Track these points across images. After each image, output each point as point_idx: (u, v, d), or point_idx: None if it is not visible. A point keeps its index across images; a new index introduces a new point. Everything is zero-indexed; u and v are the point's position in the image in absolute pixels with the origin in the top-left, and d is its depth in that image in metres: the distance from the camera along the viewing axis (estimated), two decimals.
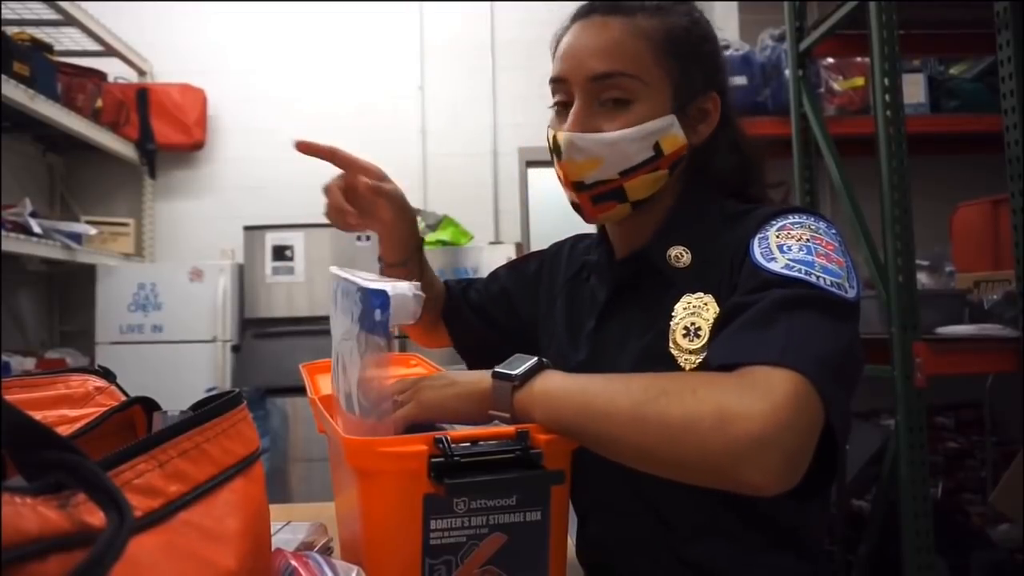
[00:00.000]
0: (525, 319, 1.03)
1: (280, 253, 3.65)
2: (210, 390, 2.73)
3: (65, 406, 0.60)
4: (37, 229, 2.99)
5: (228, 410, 0.47)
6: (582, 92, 0.77)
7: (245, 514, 0.45)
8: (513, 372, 0.65)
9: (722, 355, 0.62)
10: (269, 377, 3.42)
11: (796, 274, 0.64)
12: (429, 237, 3.78)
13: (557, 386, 0.64)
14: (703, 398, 0.56)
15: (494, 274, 1.11)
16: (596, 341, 0.85)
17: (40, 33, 3.44)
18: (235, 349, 3.59)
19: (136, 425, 0.58)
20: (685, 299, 0.76)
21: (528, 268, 1.06)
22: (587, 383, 0.63)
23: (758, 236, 0.71)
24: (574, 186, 0.79)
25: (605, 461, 0.72)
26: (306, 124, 4.20)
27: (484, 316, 1.06)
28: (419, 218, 3.87)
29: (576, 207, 0.83)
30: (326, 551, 0.77)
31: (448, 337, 1.10)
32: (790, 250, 0.67)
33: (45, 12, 3.38)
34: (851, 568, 2.22)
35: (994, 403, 2.77)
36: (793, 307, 0.62)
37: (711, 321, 0.73)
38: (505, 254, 3.71)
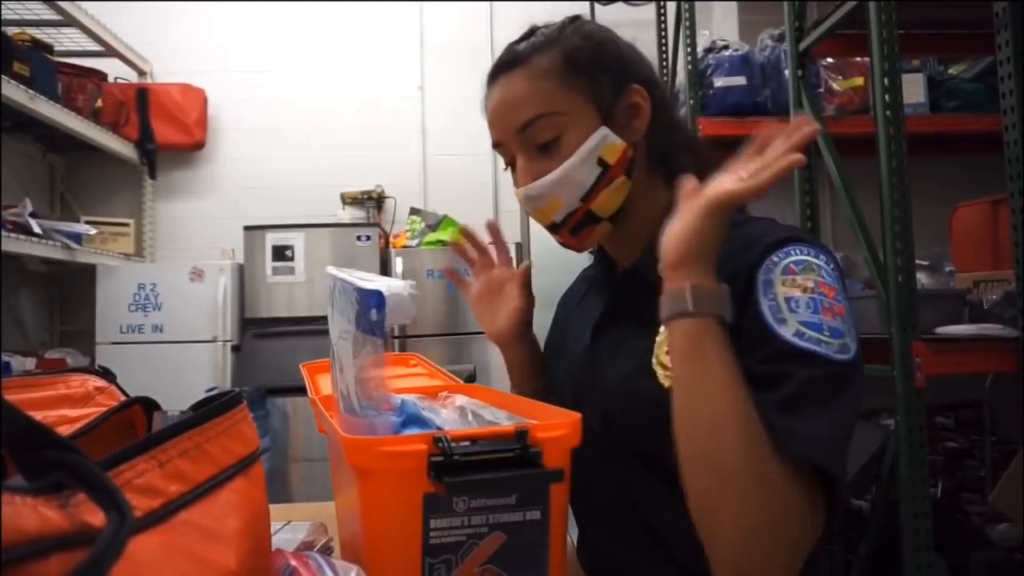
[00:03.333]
0: None
1: (280, 253, 3.65)
2: (210, 390, 2.73)
3: (65, 406, 0.60)
4: (37, 229, 2.99)
5: (228, 410, 0.47)
6: (517, 147, 0.82)
7: (245, 514, 0.45)
8: (707, 305, 0.67)
9: (789, 434, 0.63)
10: (269, 377, 3.42)
11: (809, 346, 0.66)
12: (429, 237, 3.78)
13: (724, 358, 0.66)
14: (766, 503, 0.61)
15: None
16: (591, 353, 0.87)
17: (40, 33, 3.44)
18: (235, 349, 3.59)
19: (136, 425, 0.58)
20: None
21: (557, 317, 1.10)
22: (715, 372, 0.65)
23: (762, 279, 0.71)
24: (550, 228, 0.84)
25: (602, 472, 0.75)
26: (306, 124, 4.20)
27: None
28: (419, 218, 3.89)
29: (564, 245, 0.88)
30: (326, 551, 0.77)
31: None
32: (797, 308, 0.68)
33: (45, 12, 3.38)
34: (851, 567, 2.22)
35: (994, 403, 2.77)
36: (823, 395, 0.65)
37: None
38: None
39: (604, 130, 0.79)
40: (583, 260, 1.13)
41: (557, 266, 1.11)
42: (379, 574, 0.57)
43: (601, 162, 0.80)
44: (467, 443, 0.58)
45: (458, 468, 0.56)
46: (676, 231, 0.68)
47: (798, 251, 0.72)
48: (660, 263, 0.70)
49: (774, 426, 0.64)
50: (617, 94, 0.81)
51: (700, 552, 0.65)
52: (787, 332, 0.67)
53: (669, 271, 0.68)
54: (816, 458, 0.62)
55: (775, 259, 0.72)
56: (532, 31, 0.86)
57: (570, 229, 0.83)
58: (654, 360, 0.76)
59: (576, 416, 0.63)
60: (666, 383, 0.73)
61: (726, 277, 0.73)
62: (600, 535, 0.85)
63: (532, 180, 0.81)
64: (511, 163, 0.85)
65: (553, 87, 0.80)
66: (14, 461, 0.34)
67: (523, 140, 0.82)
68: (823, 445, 0.62)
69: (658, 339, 0.77)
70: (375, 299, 0.59)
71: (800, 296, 0.69)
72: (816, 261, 0.72)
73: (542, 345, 1.07)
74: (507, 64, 0.83)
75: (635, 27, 4.21)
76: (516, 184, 0.85)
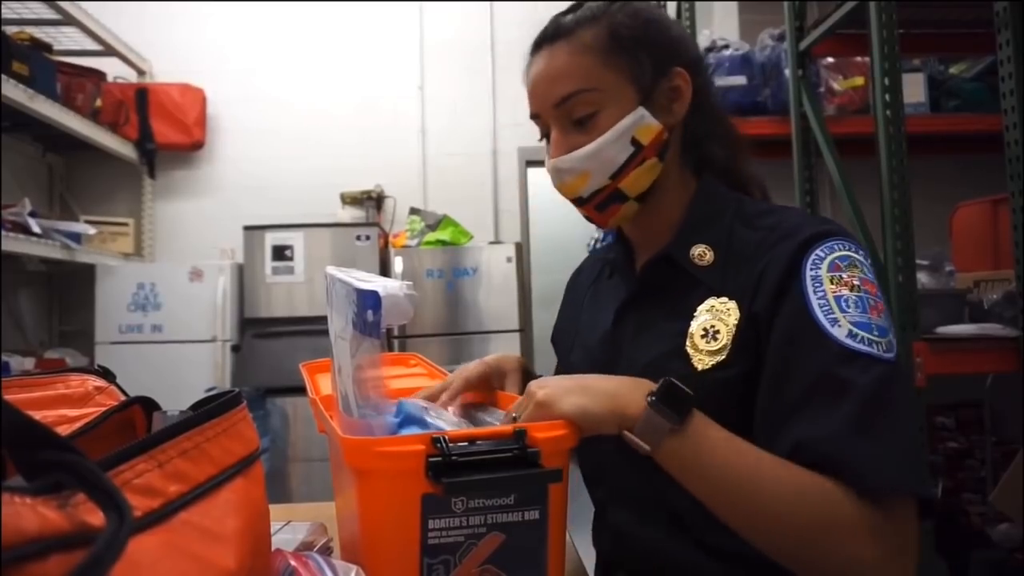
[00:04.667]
0: None
1: (280, 253, 3.65)
2: (210, 390, 2.73)
3: (64, 406, 0.60)
4: (36, 229, 2.99)
5: (228, 410, 0.47)
6: (553, 120, 0.82)
7: (245, 514, 0.45)
8: (676, 414, 0.63)
9: (843, 459, 0.62)
10: (269, 377, 3.42)
11: (862, 347, 0.65)
12: (428, 237, 3.78)
13: (710, 445, 0.64)
14: (843, 544, 0.60)
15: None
16: (613, 338, 0.86)
17: (39, 33, 3.44)
18: (235, 349, 3.59)
19: (136, 425, 0.58)
20: (710, 301, 0.77)
21: (565, 301, 1.09)
22: (740, 454, 0.64)
23: (809, 274, 0.70)
24: (576, 202, 0.84)
25: (620, 455, 0.73)
26: (306, 124, 4.20)
27: None
28: (419, 217, 3.88)
29: (588, 219, 0.88)
30: (326, 551, 0.77)
31: None
32: (848, 307, 0.68)
33: (44, 12, 3.38)
34: None
35: (994, 403, 2.77)
36: (884, 402, 0.64)
37: (731, 327, 0.74)
38: (505, 254, 3.71)
39: (641, 110, 0.79)
40: (582, 258, 1.13)
41: (557, 266, 1.11)
42: (378, 574, 0.57)
43: (635, 142, 0.79)
44: (465, 444, 0.58)
45: (456, 468, 0.55)
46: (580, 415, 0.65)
47: (840, 246, 0.72)
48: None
49: (850, 460, 0.62)
50: (659, 75, 0.81)
51: (728, 533, 0.65)
52: (840, 333, 0.66)
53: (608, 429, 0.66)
54: (908, 487, 0.62)
55: (820, 254, 0.71)
56: (579, 4, 0.84)
57: (596, 205, 0.83)
58: (688, 343, 0.76)
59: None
60: (699, 367, 0.74)
61: (761, 268, 0.73)
62: (621, 519, 0.84)
63: (564, 153, 0.81)
64: (546, 134, 0.85)
65: (594, 63, 0.79)
66: (14, 461, 0.33)
67: (560, 114, 0.81)
68: (907, 468, 0.62)
69: (694, 323, 0.76)
70: (371, 300, 0.58)
71: (849, 295, 0.68)
72: (858, 257, 0.72)
73: (548, 336, 1.07)
74: (551, 36, 0.82)
75: None
76: (548, 156, 0.84)
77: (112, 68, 3.94)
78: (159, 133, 3.98)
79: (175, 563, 0.39)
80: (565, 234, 5.04)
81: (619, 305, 0.87)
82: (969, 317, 1.94)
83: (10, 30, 3.15)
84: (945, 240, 2.53)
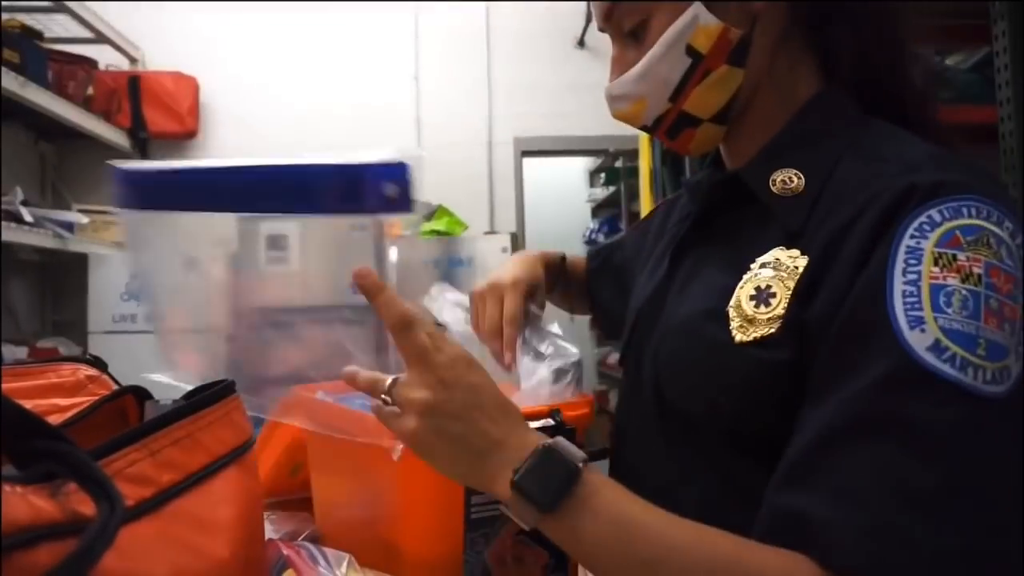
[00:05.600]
0: None
1: (275, 242, 3.63)
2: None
3: (56, 395, 0.59)
4: (29, 218, 2.97)
5: (220, 399, 0.47)
6: (611, 36, 0.68)
7: (238, 503, 0.45)
8: (541, 498, 0.48)
9: (848, 559, 0.43)
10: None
11: (947, 369, 0.44)
12: (424, 227, 3.77)
13: (596, 529, 0.48)
14: None
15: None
16: (665, 282, 0.70)
17: (30, 20, 3.40)
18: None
19: (128, 414, 0.58)
20: (775, 252, 0.56)
21: (652, 220, 0.90)
22: (636, 533, 0.47)
23: (906, 240, 0.48)
24: (645, 131, 0.69)
25: (643, 432, 0.67)
26: (300, 113, 4.17)
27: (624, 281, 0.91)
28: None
29: (669, 148, 0.76)
30: (312, 540, 0.77)
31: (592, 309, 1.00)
32: (948, 305, 0.46)
33: None
34: None
35: None
36: (958, 461, 0.43)
37: (791, 291, 0.54)
38: (500, 244, 3.71)
39: (695, 8, 0.60)
40: (577, 249, 1.12)
41: None
42: (421, 551, 0.61)
43: (691, 51, 0.61)
44: None
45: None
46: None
47: (973, 209, 0.48)
48: None
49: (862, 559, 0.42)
50: None
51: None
52: (919, 341, 0.45)
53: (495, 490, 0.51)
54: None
55: (935, 216, 0.48)
56: None
57: (666, 132, 0.67)
58: (731, 304, 0.57)
59: (589, 398, 0.67)
60: (737, 336, 0.55)
61: (850, 217, 0.52)
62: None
63: (617, 75, 0.66)
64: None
65: None
66: (5, 449, 0.33)
67: (613, 28, 0.67)
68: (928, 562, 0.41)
69: (745, 277, 0.57)
70: (389, 171, 0.54)
71: (957, 286, 0.46)
72: (996, 230, 0.48)
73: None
74: None
75: None
76: None
77: (104, 56, 3.90)
78: (152, 122, 3.95)
79: (168, 552, 0.39)
80: (560, 224, 5.04)
81: (676, 243, 0.70)
82: None
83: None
84: None
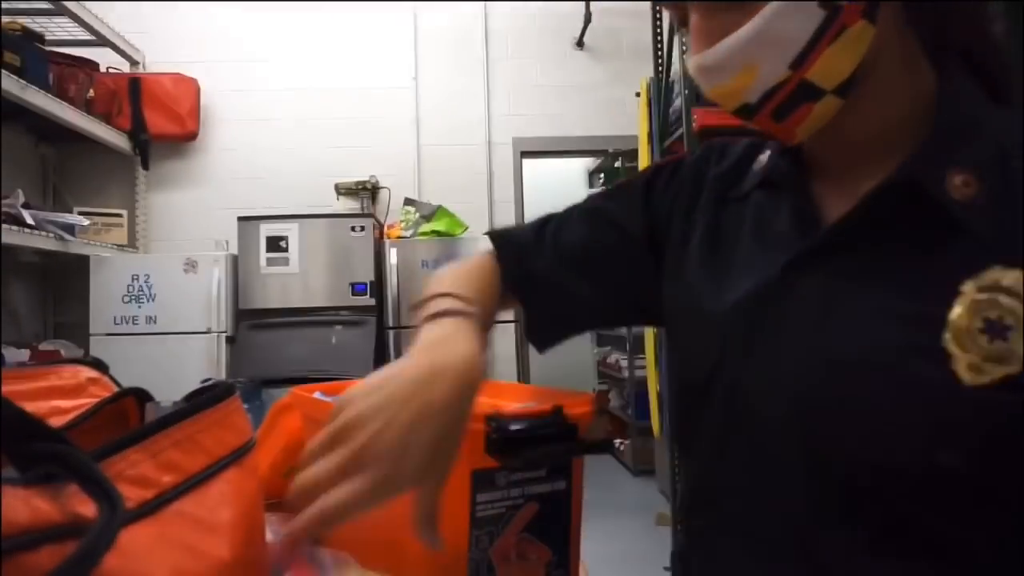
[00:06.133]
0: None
1: (275, 244, 3.64)
2: (205, 381, 2.72)
3: (57, 397, 0.59)
4: (30, 220, 2.98)
5: (220, 401, 0.47)
6: (687, 4, 0.55)
7: (239, 504, 0.45)
8: None
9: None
10: (264, 368, 3.42)
11: None
12: (423, 228, 3.77)
13: None
14: None
15: (577, 216, 0.75)
16: (776, 303, 0.54)
17: (31, 22, 3.41)
18: (230, 340, 3.58)
19: (129, 416, 0.58)
20: (993, 274, 0.46)
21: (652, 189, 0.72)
22: None
23: None
24: (741, 113, 0.55)
25: (763, 489, 0.53)
26: (300, 115, 4.18)
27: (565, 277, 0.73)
28: (413, 208, 3.88)
29: (765, 136, 0.60)
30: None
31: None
32: None
33: (36, 1, 3.35)
34: None
35: None
36: None
37: None
38: None
39: None
40: None
41: None
42: (425, 549, 0.61)
43: (827, 2, 0.48)
44: (513, 422, 0.61)
45: (507, 445, 0.59)
46: None
47: None
48: None
49: None
50: None
51: None
52: None
53: None
54: None
55: None
56: None
57: (773, 111, 0.53)
58: (949, 334, 0.46)
59: (589, 396, 0.67)
60: (968, 379, 0.45)
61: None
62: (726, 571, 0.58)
63: (715, 42, 0.52)
64: (683, 21, 0.57)
65: None
66: (6, 452, 0.33)
67: None
68: None
69: (960, 304, 0.46)
70: None
71: None
72: None
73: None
74: None
75: (632, 18, 4.20)
76: (691, 53, 0.56)
77: (105, 58, 3.91)
78: (152, 124, 3.96)
79: (169, 553, 0.39)
80: None
81: (795, 255, 0.54)
82: None
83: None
84: None
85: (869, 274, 0.51)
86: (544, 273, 0.73)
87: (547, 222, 0.76)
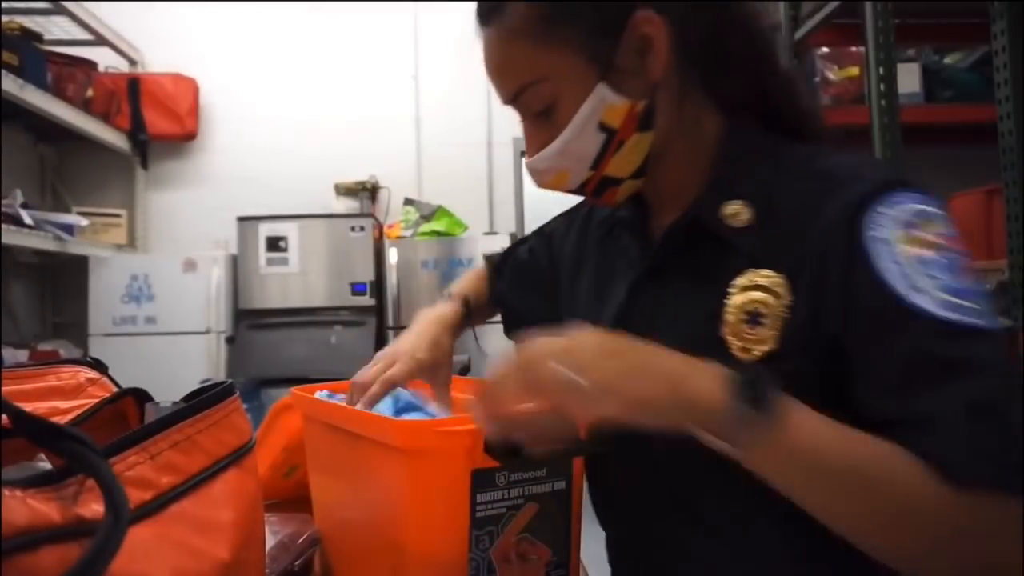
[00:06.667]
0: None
1: (274, 244, 3.63)
2: (204, 382, 2.71)
3: (56, 398, 0.59)
4: (28, 220, 2.97)
5: (220, 401, 0.47)
6: (519, 113, 0.71)
7: (238, 505, 0.45)
8: (765, 410, 0.49)
9: (956, 457, 0.50)
10: (264, 368, 3.42)
11: (961, 317, 0.52)
12: (423, 228, 3.77)
13: (809, 438, 0.51)
14: (937, 541, 0.50)
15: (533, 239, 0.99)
16: (626, 318, 0.71)
17: (29, 22, 3.40)
18: (230, 340, 3.58)
19: (128, 417, 0.58)
20: (749, 275, 0.62)
21: (555, 229, 0.94)
22: (839, 447, 0.51)
23: (873, 234, 0.56)
24: (571, 192, 0.72)
25: (634, 465, 0.69)
26: (299, 114, 4.17)
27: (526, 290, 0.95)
28: (413, 208, 3.87)
29: (594, 203, 0.80)
30: (313, 542, 0.77)
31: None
32: (934, 269, 0.54)
33: (34, 1, 3.34)
34: None
35: None
36: (998, 382, 0.52)
37: (780, 309, 0.60)
38: (500, 244, 3.71)
39: (601, 89, 0.64)
40: None
41: None
42: (428, 550, 0.61)
43: (604, 127, 0.65)
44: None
45: (509, 445, 0.59)
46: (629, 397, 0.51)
47: (906, 197, 0.58)
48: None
49: (956, 462, 0.49)
50: (616, 32, 0.63)
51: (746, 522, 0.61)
52: (929, 304, 0.53)
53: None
54: (988, 483, 0.49)
55: (885, 211, 0.57)
56: None
57: (591, 193, 0.71)
58: (724, 328, 0.62)
59: None
60: (742, 356, 0.61)
61: (815, 234, 0.59)
62: (629, 536, 0.75)
63: (536, 151, 0.69)
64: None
65: (530, 48, 0.65)
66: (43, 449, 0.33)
67: (520, 107, 0.70)
68: (1003, 471, 0.49)
69: (730, 303, 0.62)
70: None
71: (933, 256, 0.55)
72: (928, 209, 0.57)
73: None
74: (481, 17, 0.69)
75: None
76: None
77: (103, 58, 3.90)
78: (151, 123, 3.95)
79: (168, 554, 0.39)
80: None
81: (634, 279, 0.72)
82: None
83: None
84: None
85: (678, 290, 0.68)
86: (506, 288, 0.96)
87: (524, 241, 1.00)
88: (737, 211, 0.65)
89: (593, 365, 0.51)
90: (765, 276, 0.61)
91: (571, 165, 0.68)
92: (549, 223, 0.98)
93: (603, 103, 0.64)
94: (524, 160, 0.73)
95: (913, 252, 0.55)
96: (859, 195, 0.58)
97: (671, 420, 0.51)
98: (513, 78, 0.68)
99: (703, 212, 0.66)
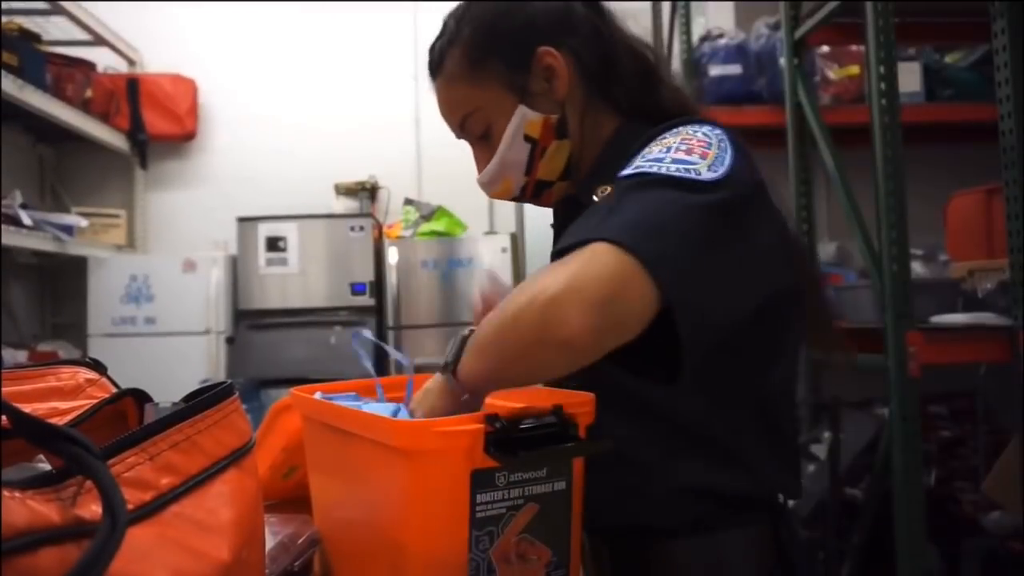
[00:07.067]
0: None
1: (274, 244, 3.63)
2: (204, 382, 2.72)
3: (56, 398, 0.59)
4: (28, 221, 2.97)
5: (219, 402, 0.46)
6: (468, 142, 0.89)
7: (238, 505, 0.45)
8: (445, 359, 0.70)
9: (556, 246, 0.68)
10: (263, 369, 3.42)
11: (637, 171, 0.68)
12: (423, 228, 3.77)
13: (469, 347, 0.69)
14: (535, 281, 0.64)
15: None
16: None
17: (28, 22, 3.40)
18: (229, 341, 3.58)
19: (128, 417, 0.58)
20: None
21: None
22: (483, 326, 0.68)
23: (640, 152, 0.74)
24: (515, 199, 0.91)
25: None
26: (299, 115, 4.17)
27: None
28: (413, 208, 3.87)
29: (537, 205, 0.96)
30: (312, 543, 0.77)
31: None
32: (648, 155, 0.70)
33: (33, 1, 3.34)
34: (844, 555, 2.23)
35: (987, 392, 2.79)
36: (620, 197, 0.67)
37: None
38: (499, 244, 3.71)
39: (521, 110, 0.82)
40: None
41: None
42: (428, 550, 0.61)
43: (528, 138, 0.83)
44: (513, 421, 0.61)
45: (508, 444, 0.60)
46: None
47: (683, 127, 0.75)
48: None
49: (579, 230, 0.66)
50: (525, 66, 0.83)
51: (654, 472, 0.73)
52: (626, 171, 0.70)
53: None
54: (570, 241, 0.64)
55: (659, 138, 0.75)
56: (444, 25, 0.88)
57: (530, 198, 0.89)
58: None
59: (590, 396, 0.67)
60: None
61: None
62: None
63: (481, 168, 0.88)
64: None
65: (465, 87, 0.84)
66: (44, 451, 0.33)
67: (466, 136, 0.88)
68: (585, 231, 0.64)
69: None
70: None
71: (656, 150, 0.71)
72: (692, 128, 0.74)
73: None
74: (431, 71, 0.88)
75: (630, 18, 4.19)
76: None
77: (102, 59, 3.90)
78: (151, 124, 3.95)
79: (168, 555, 0.39)
80: None
81: (553, 252, 0.89)
82: (963, 306, 1.95)
83: None
84: (940, 229, 2.53)
85: None
86: None
87: None
88: (606, 189, 0.77)
89: (420, 400, 0.72)
90: None
91: (510, 174, 0.86)
92: None
93: (524, 119, 0.82)
94: (476, 178, 0.89)
95: (646, 152, 0.71)
96: (652, 132, 0.76)
97: (445, 408, 0.69)
98: (456, 111, 0.86)
99: (580, 194, 0.83)
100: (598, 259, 0.61)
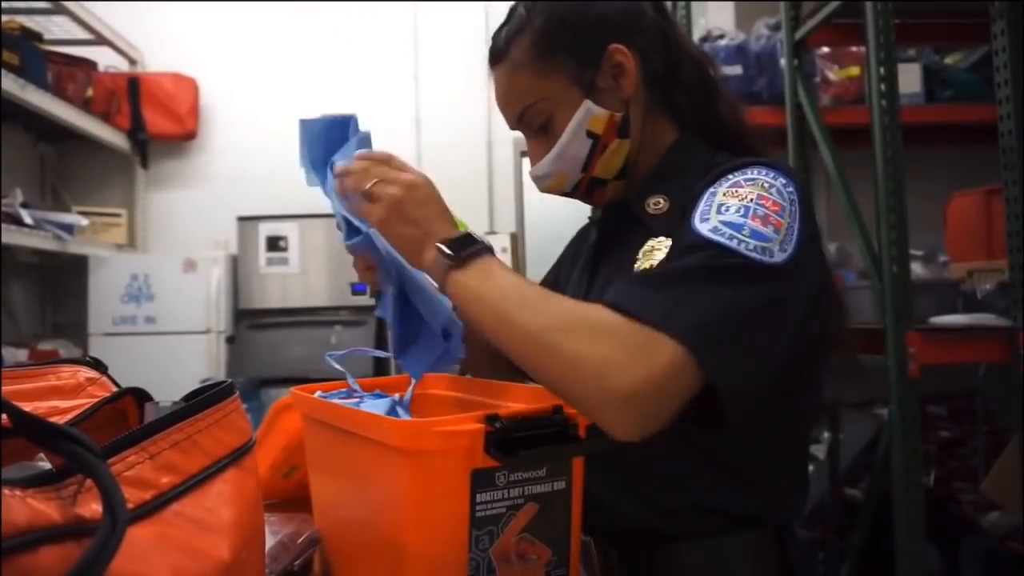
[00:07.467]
0: None
1: (274, 244, 3.63)
2: (204, 381, 2.71)
3: (56, 397, 0.59)
4: (28, 220, 2.97)
5: (220, 401, 0.47)
6: (523, 133, 0.89)
7: (238, 505, 0.45)
8: (453, 252, 0.68)
9: (616, 297, 0.65)
10: (264, 368, 3.42)
11: (718, 238, 0.65)
12: None
13: (487, 284, 0.67)
14: (597, 345, 0.61)
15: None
16: (586, 291, 0.90)
17: (29, 21, 3.40)
18: (230, 340, 3.58)
19: (128, 416, 0.58)
20: (650, 243, 0.79)
21: (566, 251, 1.10)
22: (514, 290, 0.66)
23: (710, 190, 0.72)
24: (566, 196, 0.90)
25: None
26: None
27: None
28: None
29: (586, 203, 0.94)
30: (312, 543, 0.77)
31: None
32: (727, 211, 0.68)
33: (35, 0, 3.34)
34: (844, 555, 2.23)
35: (986, 392, 2.79)
36: (697, 270, 0.65)
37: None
38: (500, 244, 3.71)
39: (587, 104, 0.82)
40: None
41: (552, 256, 1.11)
42: (428, 550, 0.61)
43: (590, 134, 0.83)
44: (514, 421, 0.61)
45: (508, 444, 0.60)
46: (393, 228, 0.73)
47: (757, 171, 0.72)
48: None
49: (617, 288, 0.66)
50: (595, 62, 0.82)
51: (673, 488, 0.74)
52: (703, 228, 0.67)
53: (416, 247, 0.72)
54: (638, 312, 0.61)
55: (731, 177, 0.72)
56: (512, 12, 0.87)
57: (582, 195, 0.89)
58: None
59: None
60: None
61: (691, 200, 0.74)
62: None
63: (536, 161, 0.87)
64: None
65: (531, 77, 0.83)
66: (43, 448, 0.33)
67: (523, 128, 0.87)
68: (657, 310, 0.61)
69: (635, 268, 0.78)
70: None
71: (734, 203, 0.68)
72: (767, 179, 0.71)
73: None
74: (492, 58, 0.87)
75: None
76: None
77: (103, 58, 3.90)
78: (151, 123, 3.95)
79: (168, 554, 0.39)
80: (560, 224, 5.04)
81: (589, 257, 0.92)
82: (963, 307, 1.95)
83: None
84: (939, 230, 2.53)
85: (620, 265, 0.83)
86: None
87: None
88: (659, 203, 0.82)
89: (402, 200, 0.74)
90: (659, 241, 0.79)
91: (567, 168, 0.85)
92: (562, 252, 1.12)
93: (589, 114, 0.82)
94: (528, 171, 0.90)
95: (721, 199, 0.69)
96: (726, 167, 0.74)
97: (413, 258, 0.72)
98: (518, 102, 0.85)
99: (631, 201, 0.85)
100: (669, 369, 0.59)
